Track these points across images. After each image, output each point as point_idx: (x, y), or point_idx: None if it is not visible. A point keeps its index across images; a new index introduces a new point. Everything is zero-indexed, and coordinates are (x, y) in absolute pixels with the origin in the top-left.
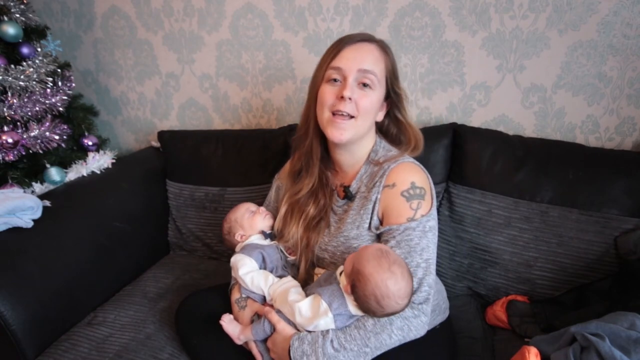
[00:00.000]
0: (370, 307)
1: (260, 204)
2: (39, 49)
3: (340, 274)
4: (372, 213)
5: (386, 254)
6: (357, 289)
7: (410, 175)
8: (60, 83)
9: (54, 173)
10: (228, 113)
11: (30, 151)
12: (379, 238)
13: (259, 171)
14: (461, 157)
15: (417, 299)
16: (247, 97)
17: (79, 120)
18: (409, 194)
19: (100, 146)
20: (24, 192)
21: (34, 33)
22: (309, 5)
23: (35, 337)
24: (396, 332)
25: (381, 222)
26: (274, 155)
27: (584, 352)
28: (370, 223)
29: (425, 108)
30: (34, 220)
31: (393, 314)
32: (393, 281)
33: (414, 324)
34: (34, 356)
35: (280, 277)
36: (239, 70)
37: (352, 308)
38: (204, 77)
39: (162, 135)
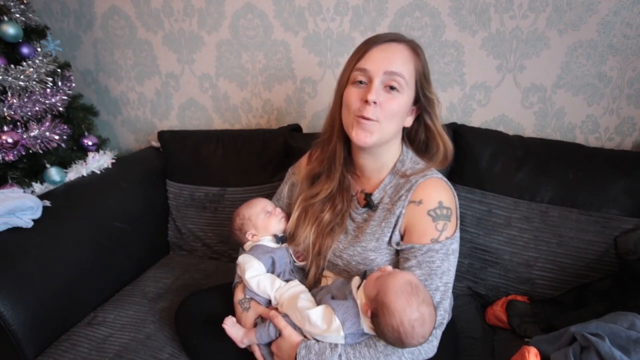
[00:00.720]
0: (388, 339)
1: (271, 198)
2: (39, 49)
3: (358, 288)
4: (394, 228)
5: (416, 290)
6: (379, 320)
7: (439, 194)
8: (60, 83)
9: (54, 173)
10: (228, 113)
11: (30, 151)
12: (397, 253)
13: (259, 171)
14: (461, 157)
15: None
16: (247, 97)
17: (79, 120)
18: (436, 213)
19: (100, 146)
20: (24, 192)
21: (34, 33)
22: (309, 5)
23: (35, 337)
24: (407, 356)
25: (402, 238)
26: (274, 155)
27: (584, 352)
28: (391, 237)
29: None
30: (34, 220)
31: (409, 347)
32: (420, 323)
33: (425, 348)
34: (34, 356)
35: (287, 281)
36: (239, 70)
37: (366, 328)
38: (203, 77)
39: (162, 135)
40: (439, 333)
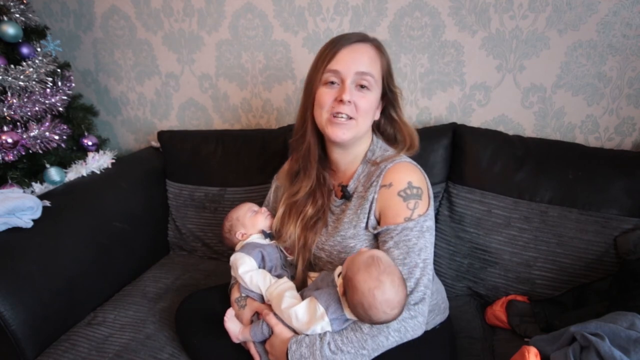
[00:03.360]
0: (359, 315)
1: (260, 205)
2: (38, 49)
3: (339, 275)
4: (369, 213)
5: (377, 261)
6: (348, 296)
7: (407, 175)
8: (60, 83)
9: (54, 173)
10: (228, 113)
11: (30, 151)
12: (376, 237)
13: (259, 171)
14: (461, 157)
15: (412, 300)
16: (246, 97)
17: (78, 120)
18: (406, 193)
19: (100, 146)
20: (24, 192)
21: (33, 33)
22: (309, 5)
23: (35, 337)
24: (393, 334)
25: (378, 222)
26: (273, 155)
27: (584, 352)
28: (367, 222)
29: (425, 108)
30: (33, 220)
31: (382, 323)
32: (380, 291)
33: (411, 325)
34: (33, 356)
35: (279, 276)
36: (239, 70)
37: (348, 312)
38: (203, 77)
39: (162, 135)
40: (422, 309)
